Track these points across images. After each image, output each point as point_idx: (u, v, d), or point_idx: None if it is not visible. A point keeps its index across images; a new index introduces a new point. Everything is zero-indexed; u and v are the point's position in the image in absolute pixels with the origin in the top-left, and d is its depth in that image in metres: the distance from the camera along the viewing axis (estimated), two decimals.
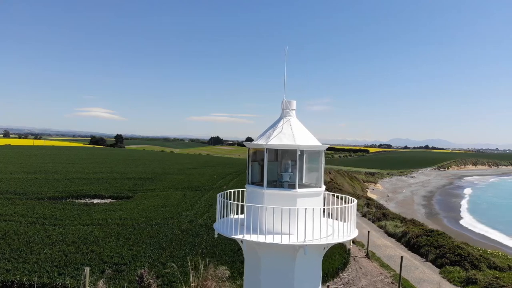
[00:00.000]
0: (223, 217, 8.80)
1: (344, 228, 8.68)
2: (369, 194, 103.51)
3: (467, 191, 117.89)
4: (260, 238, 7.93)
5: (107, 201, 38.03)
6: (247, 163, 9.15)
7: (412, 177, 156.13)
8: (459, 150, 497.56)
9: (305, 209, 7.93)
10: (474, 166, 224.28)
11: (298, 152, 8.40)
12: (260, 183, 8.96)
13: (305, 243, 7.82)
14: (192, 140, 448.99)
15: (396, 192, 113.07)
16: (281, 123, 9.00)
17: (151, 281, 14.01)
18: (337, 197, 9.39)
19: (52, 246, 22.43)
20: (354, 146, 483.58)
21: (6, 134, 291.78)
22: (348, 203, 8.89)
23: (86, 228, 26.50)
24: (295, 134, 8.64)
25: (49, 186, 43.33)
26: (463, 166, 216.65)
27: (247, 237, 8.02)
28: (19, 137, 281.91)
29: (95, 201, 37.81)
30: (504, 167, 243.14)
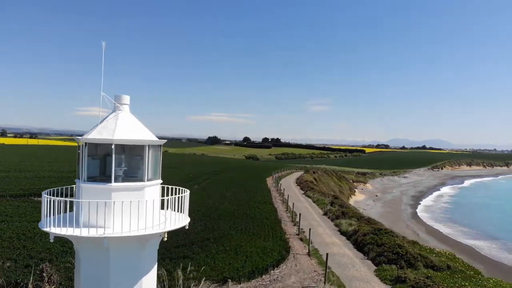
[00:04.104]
0: (53, 214, 8.81)
1: (173, 219, 8.87)
2: (358, 194, 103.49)
3: (453, 190, 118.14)
4: (63, 231, 8.07)
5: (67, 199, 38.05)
6: (77, 157, 9.27)
7: (404, 177, 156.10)
8: (457, 151, 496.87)
9: (108, 201, 8.12)
10: (468, 167, 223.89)
11: (113, 147, 8.51)
12: (97, 178, 9.14)
13: (104, 236, 7.96)
14: (189, 140, 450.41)
15: (386, 192, 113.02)
16: (109, 117, 9.12)
17: (44, 274, 14.20)
18: (172, 189, 9.55)
19: None
20: (352, 146, 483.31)
21: (3, 133, 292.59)
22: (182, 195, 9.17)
23: (29, 225, 26.66)
24: (117, 128, 8.75)
25: (15, 184, 43.51)
26: (457, 167, 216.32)
27: (53, 229, 8.16)
28: (15, 136, 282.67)
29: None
30: (499, 167, 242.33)
